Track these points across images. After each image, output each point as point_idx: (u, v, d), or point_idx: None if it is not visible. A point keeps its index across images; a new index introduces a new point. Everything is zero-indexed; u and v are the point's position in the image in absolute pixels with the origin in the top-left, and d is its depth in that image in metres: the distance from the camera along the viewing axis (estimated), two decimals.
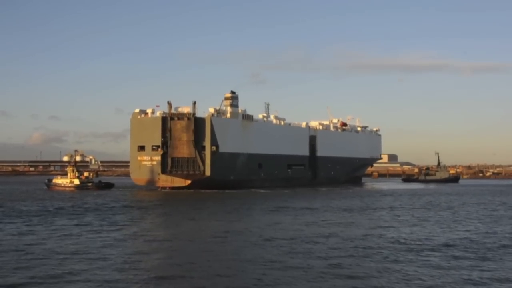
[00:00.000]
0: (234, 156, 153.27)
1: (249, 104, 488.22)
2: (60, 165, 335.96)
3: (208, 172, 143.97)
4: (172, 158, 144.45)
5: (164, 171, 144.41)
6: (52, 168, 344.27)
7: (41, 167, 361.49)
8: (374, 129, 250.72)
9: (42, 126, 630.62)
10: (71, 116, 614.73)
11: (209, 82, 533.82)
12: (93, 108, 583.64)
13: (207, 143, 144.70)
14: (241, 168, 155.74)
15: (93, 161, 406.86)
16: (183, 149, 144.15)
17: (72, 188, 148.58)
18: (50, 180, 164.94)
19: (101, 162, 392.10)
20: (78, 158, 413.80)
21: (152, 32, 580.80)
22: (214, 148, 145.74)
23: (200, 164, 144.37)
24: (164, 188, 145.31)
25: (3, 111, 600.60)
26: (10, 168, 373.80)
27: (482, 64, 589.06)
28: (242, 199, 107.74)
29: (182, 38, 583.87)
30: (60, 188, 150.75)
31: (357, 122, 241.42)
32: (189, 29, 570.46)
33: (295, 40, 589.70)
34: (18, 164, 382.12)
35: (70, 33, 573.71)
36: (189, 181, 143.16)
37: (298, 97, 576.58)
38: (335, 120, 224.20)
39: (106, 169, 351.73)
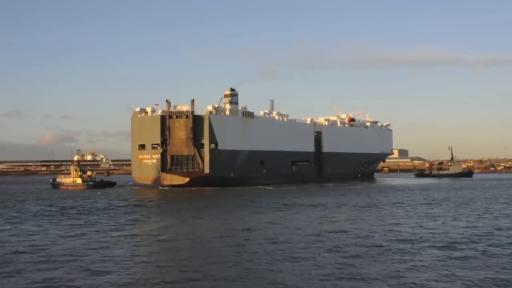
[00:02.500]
0: (234, 153, 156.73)
1: (257, 101, 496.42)
2: (70, 164, 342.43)
3: (207, 170, 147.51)
4: (172, 156, 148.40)
5: (163, 169, 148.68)
6: (63, 168, 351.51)
7: (52, 166, 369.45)
8: (385, 124, 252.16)
9: (54, 126, 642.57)
10: (83, 115, 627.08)
11: (215, 79, 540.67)
12: (105, 107, 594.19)
13: (205, 140, 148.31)
14: (241, 165, 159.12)
15: (104, 160, 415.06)
16: (182, 147, 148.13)
17: (75, 187, 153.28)
18: (54, 180, 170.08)
19: (112, 161, 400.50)
20: (89, 157, 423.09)
21: (160, 30, 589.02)
22: (213, 145, 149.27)
23: (199, 161, 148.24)
24: (164, 186, 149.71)
25: (17, 111, 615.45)
26: (22, 168, 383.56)
27: (494, 58, 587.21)
28: (235, 197, 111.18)
29: (190, 36, 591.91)
30: (63, 187, 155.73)
31: (367, 117, 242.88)
32: (196, 27, 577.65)
33: (304, 36, 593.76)
34: (30, 163, 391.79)
35: (80, 34, 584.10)
36: (188, 179, 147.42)
37: (308, 93, 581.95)
38: (343, 116, 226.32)
39: (117, 168, 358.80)
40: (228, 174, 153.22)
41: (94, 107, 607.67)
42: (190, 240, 49.44)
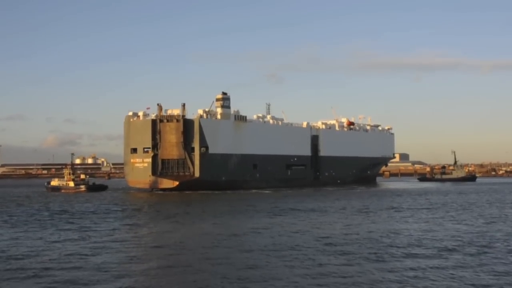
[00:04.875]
0: (225, 157, 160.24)
1: (259, 105, 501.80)
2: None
3: (197, 174, 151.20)
4: (163, 160, 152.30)
5: (154, 173, 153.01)
6: (64, 171, 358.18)
7: (53, 169, 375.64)
8: (386, 128, 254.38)
9: (57, 129, 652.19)
10: (86, 119, 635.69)
11: (218, 83, 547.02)
12: (108, 111, 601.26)
13: (195, 144, 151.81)
14: (233, 169, 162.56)
15: (105, 163, 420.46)
16: (173, 151, 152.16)
17: (67, 191, 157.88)
18: (49, 183, 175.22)
19: (113, 164, 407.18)
20: (90, 161, 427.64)
21: (164, 34, 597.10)
22: (203, 149, 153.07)
23: (190, 165, 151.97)
24: (156, 189, 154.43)
25: (20, 115, 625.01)
26: (23, 171, 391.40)
27: (497, 62, 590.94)
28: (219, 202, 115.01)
29: (193, 39, 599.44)
30: (54, 191, 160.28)
31: (368, 121, 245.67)
32: (199, 30, 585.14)
33: (307, 40, 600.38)
34: (31, 167, 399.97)
35: (85, 36, 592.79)
36: (177, 183, 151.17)
37: (310, 97, 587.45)
38: (343, 120, 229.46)
39: (118, 171, 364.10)
40: (219, 178, 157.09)
41: (97, 110, 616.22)
42: (174, 246, 49.84)
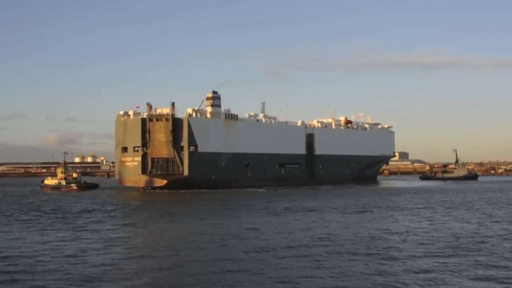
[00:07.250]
0: (215, 155, 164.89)
1: (256, 104, 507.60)
2: (72, 166, 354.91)
3: (186, 172, 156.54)
4: (152, 159, 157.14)
5: (144, 171, 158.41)
6: (57, 169, 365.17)
7: (53, 168, 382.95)
8: (386, 126, 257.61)
9: (58, 128, 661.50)
10: (86, 117, 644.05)
11: (218, 82, 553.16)
12: (108, 109, 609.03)
13: (184, 143, 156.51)
14: (224, 168, 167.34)
15: (104, 162, 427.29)
16: (162, 149, 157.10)
17: (60, 189, 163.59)
18: (43, 181, 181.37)
19: (113, 163, 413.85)
20: (89, 159, 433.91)
21: (165, 33, 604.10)
22: (192, 148, 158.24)
23: (179, 164, 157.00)
24: (147, 188, 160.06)
25: (21, 113, 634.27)
26: (22, 170, 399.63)
27: (499, 61, 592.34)
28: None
29: (193, 38, 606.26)
30: (46, 189, 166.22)
31: (368, 119, 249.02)
32: (198, 29, 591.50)
33: (307, 39, 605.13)
34: (31, 165, 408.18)
35: (86, 35, 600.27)
36: (165, 181, 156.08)
37: (309, 96, 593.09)
38: (342, 118, 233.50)
39: None
40: (209, 176, 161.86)
41: (98, 109, 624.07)
42: (160, 247, 50.74)
